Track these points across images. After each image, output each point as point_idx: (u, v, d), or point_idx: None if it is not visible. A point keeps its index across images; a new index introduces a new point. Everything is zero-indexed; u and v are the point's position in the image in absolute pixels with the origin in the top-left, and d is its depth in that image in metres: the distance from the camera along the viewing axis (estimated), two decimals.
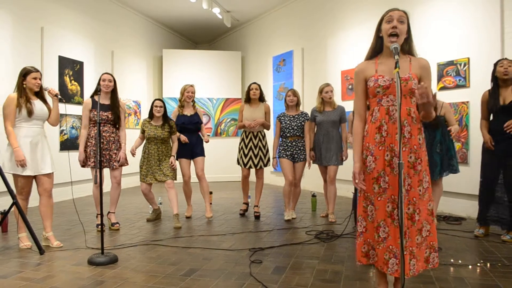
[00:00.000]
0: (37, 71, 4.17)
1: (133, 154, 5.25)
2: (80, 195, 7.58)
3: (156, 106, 5.40)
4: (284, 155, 5.45)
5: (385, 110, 2.42)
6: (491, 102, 4.32)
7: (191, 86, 5.67)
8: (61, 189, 6.69)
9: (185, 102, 5.64)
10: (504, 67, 4.21)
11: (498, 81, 4.29)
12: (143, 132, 5.43)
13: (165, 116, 5.43)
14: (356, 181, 2.52)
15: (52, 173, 4.21)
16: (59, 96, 4.24)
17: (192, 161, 5.68)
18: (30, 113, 4.02)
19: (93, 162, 4.78)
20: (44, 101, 4.25)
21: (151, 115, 5.44)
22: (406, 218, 2.36)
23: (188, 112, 5.65)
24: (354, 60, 7.21)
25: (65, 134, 7.37)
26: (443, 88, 5.74)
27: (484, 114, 4.48)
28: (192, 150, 5.61)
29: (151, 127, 5.36)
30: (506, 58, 4.34)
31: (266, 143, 5.75)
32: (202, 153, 5.68)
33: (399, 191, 2.20)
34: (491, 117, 4.41)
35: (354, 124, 2.59)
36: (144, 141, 5.47)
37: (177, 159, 5.52)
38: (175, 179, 5.41)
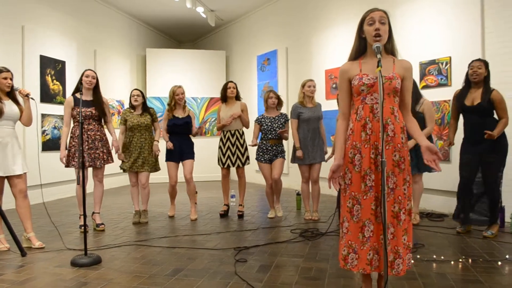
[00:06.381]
0: (8, 71, 4.11)
1: (119, 155, 5.25)
2: (62, 196, 7.50)
3: (133, 95, 5.42)
4: (263, 159, 5.45)
5: (369, 108, 2.43)
6: (459, 101, 4.42)
7: (179, 87, 5.54)
8: (44, 190, 6.59)
9: (176, 104, 5.52)
10: (474, 69, 4.28)
11: (470, 82, 4.37)
12: (124, 122, 5.38)
13: (144, 106, 5.48)
14: (332, 180, 2.54)
15: (25, 173, 4.15)
16: (31, 96, 4.17)
17: (181, 163, 5.60)
18: (0, 113, 3.96)
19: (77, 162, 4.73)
20: (16, 101, 4.18)
21: (131, 106, 5.46)
22: (392, 217, 2.37)
23: (179, 114, 5.54)
24: (338, 59, 7.25)
25: (47, 134, 7.27)
26: (425, 87, 5.81)
27: (453, 113, 4.59)
28: (181, 153, 5.53)
29: (133, 116, 5.36)
30: (479, 59, 4.38)
31: (244, 141, 5.65)
32: (191, 156, 5.59)
33: (382, 188, 2.21)
34: (461, 118, 4.51)
35: (338, 123, 2.61)
36: (126, 132, 5.40)
37: (165, 161, 5.54)
38: (155, 170, 5.45)
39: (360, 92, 2.46)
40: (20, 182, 4.10)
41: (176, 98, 5.48)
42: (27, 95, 4.14)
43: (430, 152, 2.38)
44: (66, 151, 4.78)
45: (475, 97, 4.28)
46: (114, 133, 5.10)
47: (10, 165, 4.02)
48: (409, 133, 2.54)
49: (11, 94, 4.15)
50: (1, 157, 3.96)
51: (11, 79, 4.12)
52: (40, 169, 4.86)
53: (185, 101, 5.62)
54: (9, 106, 4.07)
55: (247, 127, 5.70)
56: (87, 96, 4.86)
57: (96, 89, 4.93)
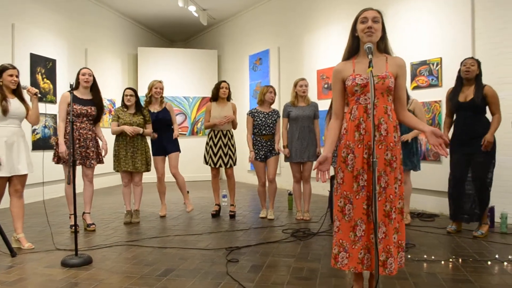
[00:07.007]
0: (14, 68, 4.03)
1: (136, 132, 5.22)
2: (53, 196, 7.44)
3: (126, 95, 5.37)
4: (258, 157, 5.41)
5: (363, 108, 2.44)
6: (453, 100, 4.43)
7: (160, 82, 5.62)
8: (34, 190, 6.54)
9: (152, 98, 5.59)
10: (467, 66, 4.30)
11: (462, 79, 4.39)
12: (117, 119, 5.32)
13: (137, 105, 5.42)
14: (320, 173, 2.50)
15: (26, 174, 4.10)
16: (39, 95, 4.12)
17: (167, 158, 5.65)
18: (5, 111, 3.88)
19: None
20: (22, 99, 4.12)
21: (123, 104, 5.42)
22: (383, 216, 2.39)
23: (154, 108, 5.59)
24: (330, 59, 7.27)
25: (37, 133, 7.21)
26: (416, 88, 5.85)
27: (447, 111, 4.60)
28: (166, 146, 5.58)
29: (126, 114, 5.33)
30: (472, 57, 4.42)
31: (234, 142, 5.67)
32: (176, 149, 5.64)
33: (373, 188, 2.22)
34: (455, 115, 4.51)
35: (330, 122, 2.62)
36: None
37: (152, 156, 5.57)
38: (148, 170, 5.41)
39: (354, 92, 2.47)
40: (20, 182, 4.06)
41: (153, 91, 5.54)
42: (35, 94, 4.08)
43: (435, 136, 2.36)
44: (65, 147, 4.65)
45: (467, 94, 4.30)
46: (103, 137, 5.03)
47: (15, 164, 3.96)
48: (410, 127, 2.61)
49: (17, 91, 4.09)
50: (6, 156, 3.89)
51: (17, 76, 4.05)
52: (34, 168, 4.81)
53: (162, 97, 5.65)
54: (15, 104, 4.00)
55: (235, 128, 5.74)
56: (84, 95, 4.82)
57: (94, 88, 4.89)
